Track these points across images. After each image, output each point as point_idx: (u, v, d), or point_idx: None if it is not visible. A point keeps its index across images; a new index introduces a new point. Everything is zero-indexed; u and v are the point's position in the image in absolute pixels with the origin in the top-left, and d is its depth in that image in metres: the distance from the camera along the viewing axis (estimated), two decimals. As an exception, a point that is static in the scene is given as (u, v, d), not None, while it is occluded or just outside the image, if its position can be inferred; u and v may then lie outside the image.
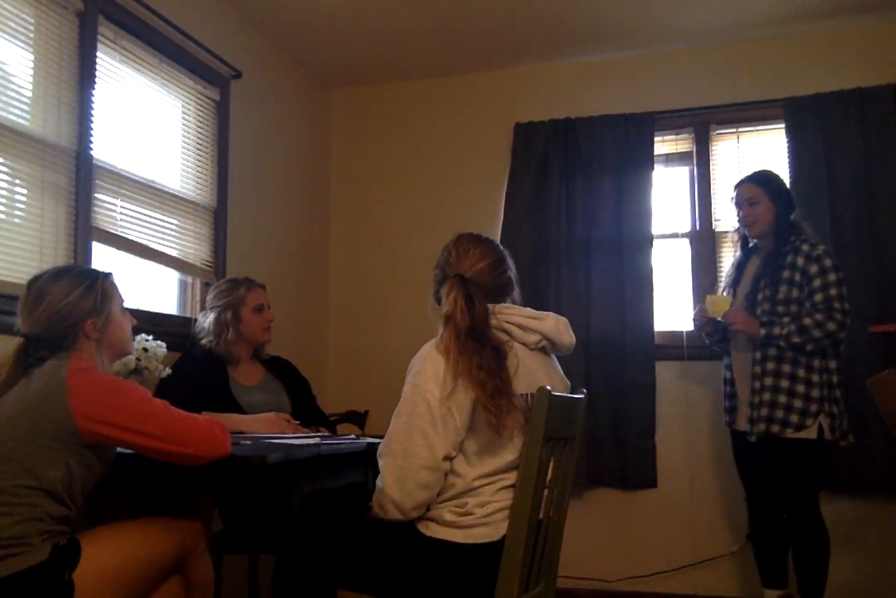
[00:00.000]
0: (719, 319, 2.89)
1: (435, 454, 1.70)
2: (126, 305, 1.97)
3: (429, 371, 1.74)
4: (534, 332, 1.85)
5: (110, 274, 1.92)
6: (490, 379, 1.69)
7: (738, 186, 3.00)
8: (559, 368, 1.98)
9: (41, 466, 1.65)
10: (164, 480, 2.02)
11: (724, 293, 3.03)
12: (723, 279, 3.21)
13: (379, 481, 1.77)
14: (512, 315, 1.85)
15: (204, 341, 2.75)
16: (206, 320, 2.78)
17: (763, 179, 2.96)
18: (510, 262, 1.96)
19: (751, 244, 3.03)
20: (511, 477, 1.76)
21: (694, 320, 3.06)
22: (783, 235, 2.86)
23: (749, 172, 3.03)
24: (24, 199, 2.41)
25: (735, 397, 2.94)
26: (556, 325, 1.88)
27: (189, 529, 1.91)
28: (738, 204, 2.98)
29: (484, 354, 1.72)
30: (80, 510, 1.75)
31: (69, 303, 1.79)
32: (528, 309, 1.91)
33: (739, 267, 3.04)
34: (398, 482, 1.72)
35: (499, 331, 1.82)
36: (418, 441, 1.71)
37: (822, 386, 2.71)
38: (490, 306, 1.85)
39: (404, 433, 1.73)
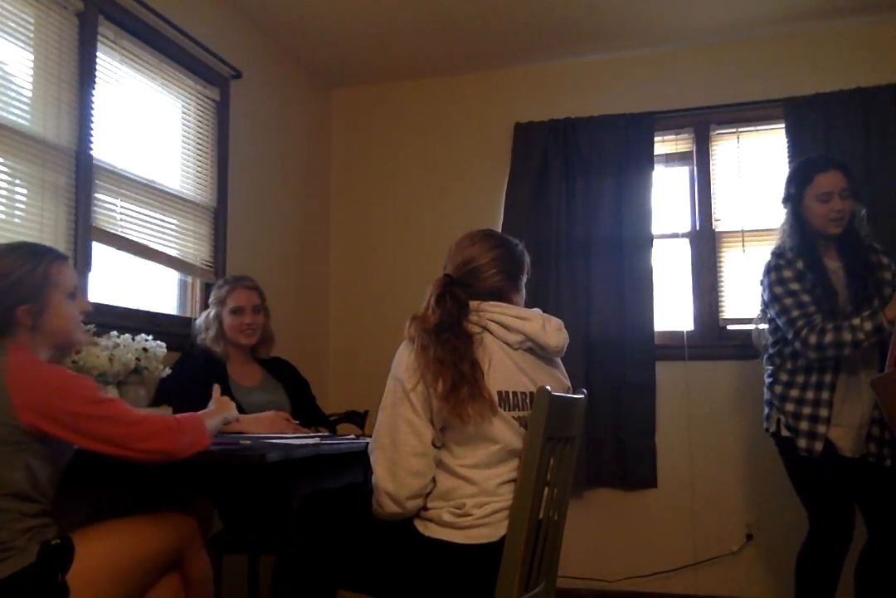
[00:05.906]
0: None
1: (423, 440, 1.72)
2: (77, 289, 1.81)
3: (403, 363, 1.78)
4: (517, 332, 1.80)
5: (62, 257, 1.78)
6: (447, 370, 1.69)
7: (822, 172, 2.50)
8: (557, 371, 1.92)
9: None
10: (163, 479, 2.01)
11: None
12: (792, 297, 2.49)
13: (373, 479, 1.77)
14: (496, 314, 1.81)
15: (199, 339, 2.78)
16: (200, 317, 2.83)
17: (847, 168, 2.54)
18: (509, 263, 1.89)
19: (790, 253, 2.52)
20: (508, 472, 1.76)
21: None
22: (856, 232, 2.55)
23: (822, 157, 2.64)
24: (24, 199, 2.41)
25: (826, 421, 2.46)
26: (541, 326, 1.81)
27: (184, 525, 1.89)
28: (825, 196, 2.48)
29: (444, 346, 1.72)
30: (54, 500, 1.70)
31: (5, 284, 1.67)
32: (517, 308, 1.85)
33: (819, 275, 2.47)
34: (390, 474, 1.72)
35: (478, 327, 1.79)
36: (405, 430, 1.72)
37: None
38: (475, 303, 1.83)
39: (391, 425, 1.74)
